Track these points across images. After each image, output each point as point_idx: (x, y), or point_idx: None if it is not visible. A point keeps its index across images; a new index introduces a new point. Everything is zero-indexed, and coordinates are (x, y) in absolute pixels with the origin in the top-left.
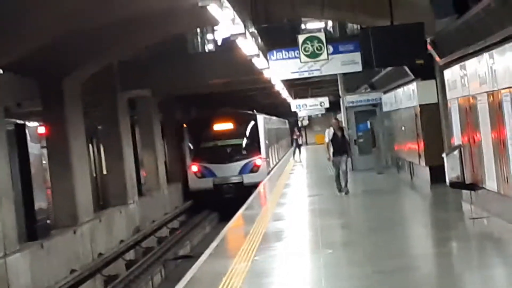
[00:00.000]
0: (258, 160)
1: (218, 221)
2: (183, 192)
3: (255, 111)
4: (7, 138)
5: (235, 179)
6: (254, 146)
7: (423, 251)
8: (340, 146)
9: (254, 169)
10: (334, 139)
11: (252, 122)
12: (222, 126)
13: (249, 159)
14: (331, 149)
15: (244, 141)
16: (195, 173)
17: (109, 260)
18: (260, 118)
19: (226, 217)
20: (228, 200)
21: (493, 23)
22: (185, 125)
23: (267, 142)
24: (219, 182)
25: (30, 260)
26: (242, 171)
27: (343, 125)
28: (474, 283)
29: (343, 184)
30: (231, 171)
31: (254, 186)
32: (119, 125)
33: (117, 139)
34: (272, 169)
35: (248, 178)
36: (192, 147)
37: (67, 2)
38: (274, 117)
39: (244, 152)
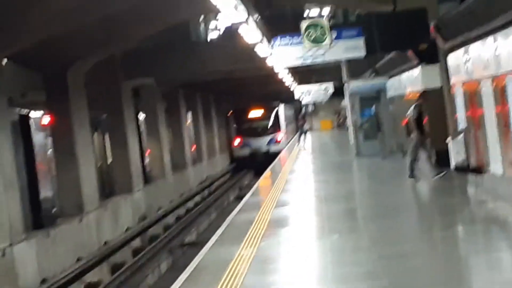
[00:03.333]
0: (280, 136)
1: (254, 176)
2: (230, 157)
3: (278, 102)
4: (12, 128)
5: (265, 149)
6: (277, 126)
7: (429, 236)
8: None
9: (277, 141)
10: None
11: (276, 109)
12: (256, 113)
13: (274, 135)
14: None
15: (270, 123)
16: (237, 145)
17: (115, 248)
18: (281, 106)
19: (259, 173)
20: (260, 162)
21: (496, 7)
22: (230, 112)
23: (285, 122)
24: (254, 151)
25: (37, 249)
26: (269, 143)
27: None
28: (480, 267)
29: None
30: (262, 143)
31: (277, 153)
32: (123, 114)
33: (122, 128)
34: (288, 141)
35: (273, 148)
36: (235, 127)
37: None
38: (288, 105)
39: (270, 130)
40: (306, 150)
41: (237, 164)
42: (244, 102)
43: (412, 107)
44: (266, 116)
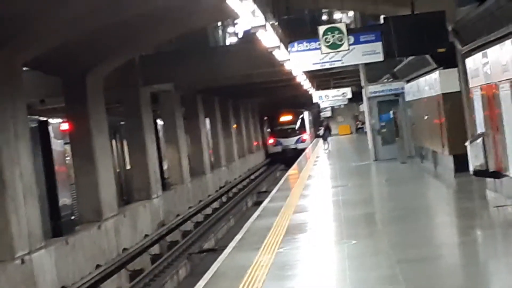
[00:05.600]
0: (305, 136)
1: (284, 168)
2: (265, 153)
3: (303, 110)
4: (31, 135)
5: (293, 146)
6: (303, 128)
7: (448, 240)
8: None
9: (303, 141)
10: None
11: (302, 115)
12: (286, 117)
13: (300, 135)
14: None
15: (298, 125)
16: (271, 143)
17: (133, 254)
18: (306, 112)
19: (288, 166)
20: (289, 157)
21: None
22: (266, 117)
23: (309, 126)
24: (285, 148)
25: (56, 257)
26: (296, 142)
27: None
28: (499, 271)
29: None
30: (291, 142)
31: (303, 150)
32: (142, 119)
33: (140, 133)
34: (312, 141)
35: (300, 146)
36: (270, 129)
37: None
38: (309, 111)
39: (297, 131)
40: (325, 152)
41: (271, 159)
42: (266, 108)
43: None
44: (294, 121)
